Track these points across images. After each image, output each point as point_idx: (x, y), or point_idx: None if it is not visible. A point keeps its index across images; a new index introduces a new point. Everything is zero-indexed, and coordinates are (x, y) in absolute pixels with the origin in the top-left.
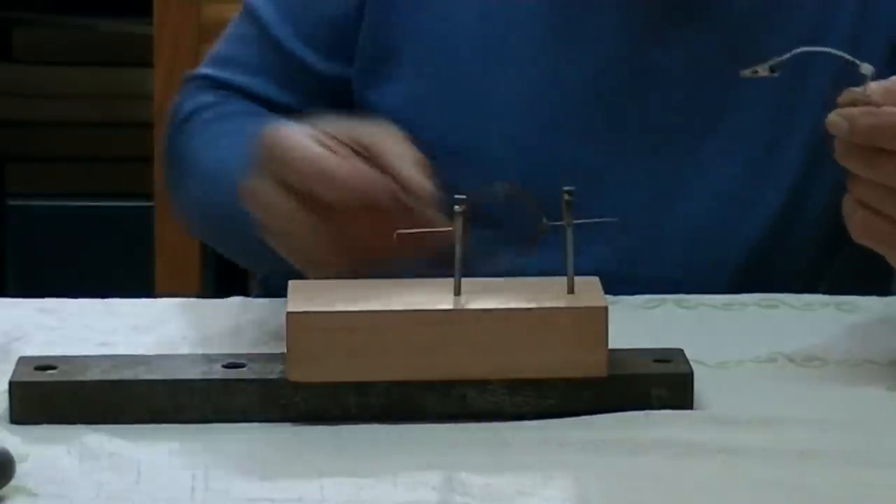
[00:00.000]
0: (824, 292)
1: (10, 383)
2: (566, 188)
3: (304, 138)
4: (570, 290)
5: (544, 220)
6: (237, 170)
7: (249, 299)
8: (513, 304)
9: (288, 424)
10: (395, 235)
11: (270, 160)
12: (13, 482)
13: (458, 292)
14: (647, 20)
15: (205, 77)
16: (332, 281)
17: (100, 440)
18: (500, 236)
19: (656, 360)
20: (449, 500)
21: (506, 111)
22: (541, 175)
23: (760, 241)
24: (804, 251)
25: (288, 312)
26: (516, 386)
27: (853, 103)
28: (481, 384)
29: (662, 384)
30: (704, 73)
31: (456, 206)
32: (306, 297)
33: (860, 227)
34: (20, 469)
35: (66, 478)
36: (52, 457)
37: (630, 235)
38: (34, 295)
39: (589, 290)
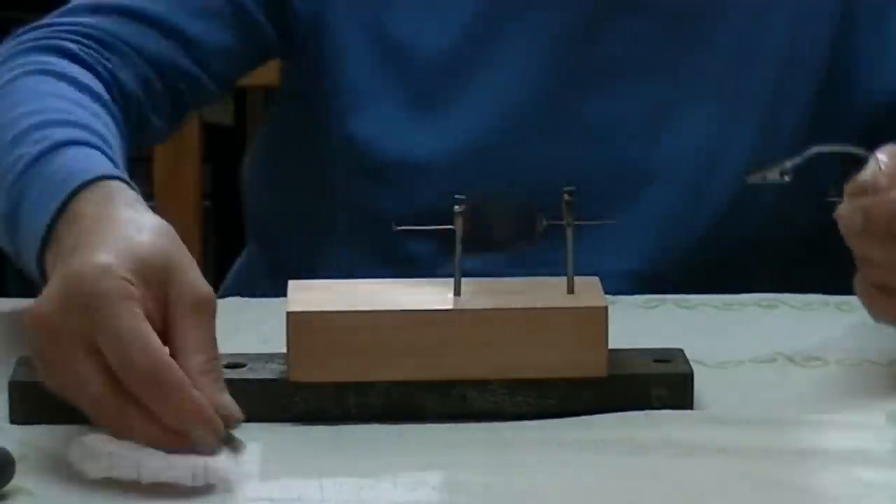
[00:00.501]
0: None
1: (10, 383)
2: (566, 188)
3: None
4: (570, 290)
5: (543, 220)
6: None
7: (249, 299)
8: (513, 304)
9: (288, 424)
10: (395, 228)
11: (82, 304)
12: (13, 482)
13: (458, 292)
14: (588, 14)
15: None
16: (332, 281)
17: (100, 440)
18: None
19: (656, 360)
20: (449, 500)
21: (465, 118)
22: (504, 177)
23: (714, 230)
24: (757, 238)
25: (288, 312)
26: (516, 386)
27: (863, 192)
28: (481, 384)
29: (662, 384)
30: (652, 62)
31: (456, 206)
32: (306, 297)
33: (881, 310)
34: (20, 469)
35: (66, 478)
36: (52, 457)
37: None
38: (34, 295)
39: (589, 290)
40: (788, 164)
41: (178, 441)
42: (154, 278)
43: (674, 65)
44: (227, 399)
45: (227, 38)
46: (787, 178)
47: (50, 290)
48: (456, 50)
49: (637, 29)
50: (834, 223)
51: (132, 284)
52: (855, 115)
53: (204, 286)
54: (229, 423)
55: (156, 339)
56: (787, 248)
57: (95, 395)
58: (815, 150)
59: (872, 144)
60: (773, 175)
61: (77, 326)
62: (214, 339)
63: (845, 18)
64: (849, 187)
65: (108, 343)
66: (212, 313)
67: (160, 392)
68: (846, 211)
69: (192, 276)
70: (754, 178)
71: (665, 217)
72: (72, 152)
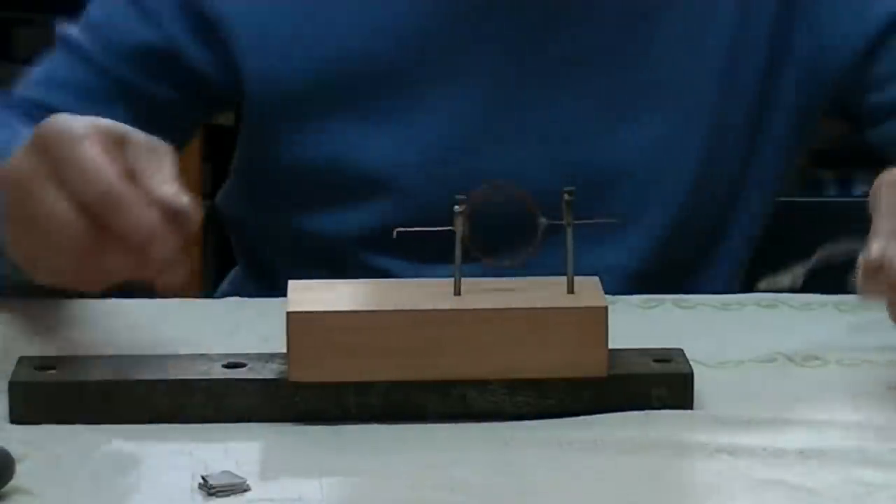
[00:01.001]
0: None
1: (10, 383)
2: (566, 188)
3: (85, 134)
4: (570, 290)
5: (543, 221)
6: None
7: (249, 299)
8: (513, 304)
9: (288, 424)
10: (394, 233)
11: (47, 148)
12: (13, 482)
13: (458, 292)
14: (537, 20)
15: (13, 95)
16: (333, 281)
17: (100, 440)
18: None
19: (656, 360)
20: (449, 500)
21: (419, 130)
22: (462, 186)
23: (670, 229)
24: (711, 236)
25: (288, 312)
26: (516, 386)
27: (877, 269)
28: (481, 384)
29: (662, 384)
30: (602, 64)
31: (456, 206)
32: (306, 297)
33: None
34: (20, 469)
35: (66, 478)
36: (52, 457)
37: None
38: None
39: (589, 290)
40: (801, 269)
41: (141, 265)
42: (113, 137)
43: (624, 64)
44: (185, 199)
45: (170, 93)
46: (798, 284)
47: (21, 148)
48: (407, 61)
49: (586, 32)
50: (782, 221)
51: (92, 134)
52: (802, 87)
53: (159, 140)
54: (189, 221)
55: (112, 167)
56: (739, 247)
57: (66, 221)
58: (826, 252)
59: (829, 111)
60: (784, 282)
61: (44, 167)
62: (175, 173)
63: None
64: (863, 268)
65: (70, 172)
66: (172, 158)
67: (115, 209)
68: (869, 291)
69: (147, 136)
70: (767, 286)
71: (622, 217)
72: None
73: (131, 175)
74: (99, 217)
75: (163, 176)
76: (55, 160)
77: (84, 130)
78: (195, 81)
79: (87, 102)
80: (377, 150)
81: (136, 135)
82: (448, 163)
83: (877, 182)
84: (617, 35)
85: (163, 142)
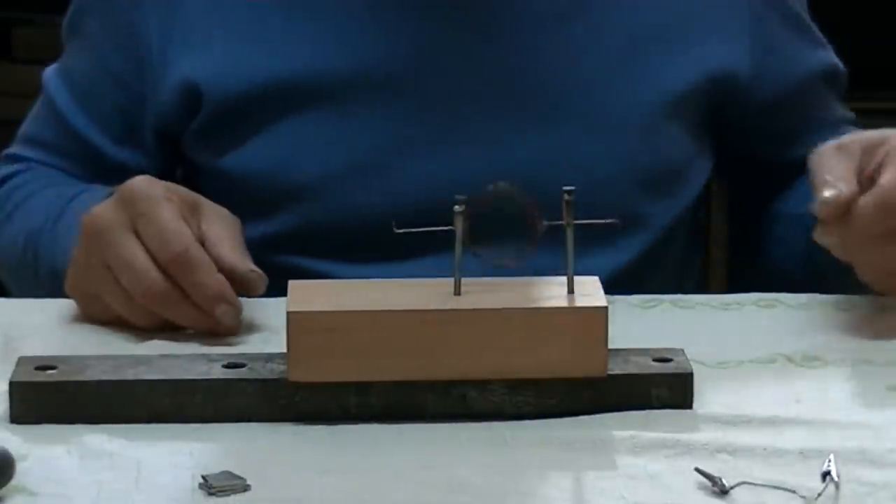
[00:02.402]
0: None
1: (10, 383)
2: (566, 188)
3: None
4: (570, 290)
5: (542, 220)
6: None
7: (249, 299)
8: (513, 304)
9: (288, 424)
10: (395, 230)
11: (131, 203)
12: (13, 482)
13: (458, 292)
14: (467, 35)
15: (13, 156)
16: (332, 281)
17: (100, 440)
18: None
19: (656, 360)
20: (449, 500)
21: (345, 137)
22: (392, 189)
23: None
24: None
25: (288, 312)
26: (516, 386)
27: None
28: (481, 384)
29: (662, 384)
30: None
31: (456, 206)
32: (306, 297)
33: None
34: (20, 469)
35: (66, 478)
36: (52, 457)
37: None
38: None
39: (589, 290)
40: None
41: (205, 321)
42: (188, 203)
43: (552, 73)
44: (252, 267)
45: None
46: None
47: (103, 201)
48: (344, 75)
49: (515, 39)
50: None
51: (172, 197)
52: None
53: (227, 211)
54: (254, 288)
55: (189, 230)
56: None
57: (142, 268)
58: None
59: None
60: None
61: (125, 219)
62: (242, 242)
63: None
64: (820, 211)
65: (150, 229)
66: (239, 227)
67: (190, 270)
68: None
69: (220, 207)
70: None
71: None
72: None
73: (202, 240)
74: (173, 275)
75: (232, 244)
76: (138, 215)
77: (165, 193)
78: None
79: (75, 163)
80: (306, 160)
81: (208, 203)
82: (376, 167)
83: (821, 148)
84: (546, 43)
85: (230, 213)
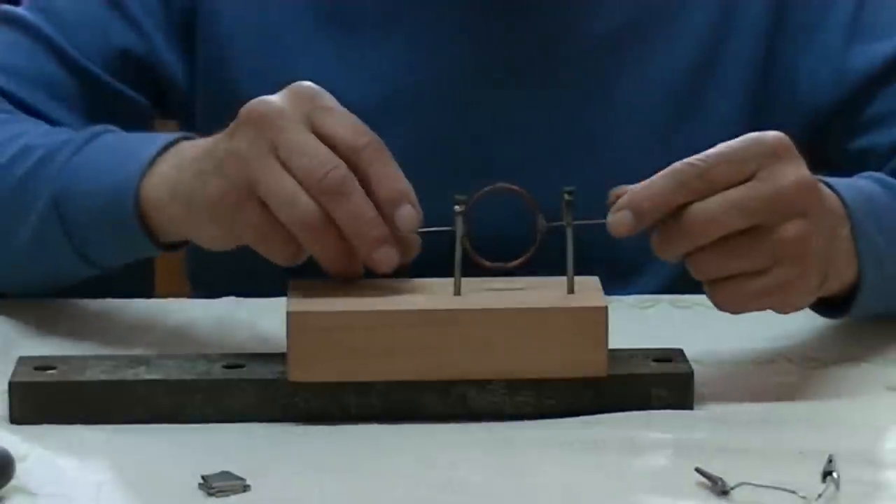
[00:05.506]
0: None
1: (10, 383)
2: (566, 188)
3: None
4: (570, 290)
5: (542, 220)
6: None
7: (249, 299)
8: (513, 304)
9: (288, 424)
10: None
11: (264, 128)
12: (13, 482)
13: (458, 292)
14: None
15: None
16: (333, 281)
17: (100, 440)
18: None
19: (656, 360)
20: (449, 500)
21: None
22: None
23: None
24: None
25: (288, 312)
26: (516, 386)
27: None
28: (481, 384)
29: (662, 384)
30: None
31: (456, 206)
32: (306, 297)
33: (730, 301)
34: (20, 469)
35: (66, 478)
36: (52, 457)
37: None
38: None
39: (589, 290)
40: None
41: (350, 251)
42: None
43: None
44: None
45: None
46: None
47: (225, 130)
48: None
49: (563, 56)
50: None
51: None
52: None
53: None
54: (409, 249)
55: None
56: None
57: (293, 199)
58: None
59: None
60: None
61: (265, 147)
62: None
63: (772, 34)
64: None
65: (296, 156)
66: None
67: (348, 196)
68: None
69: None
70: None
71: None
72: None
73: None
74: (324, 202)
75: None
76: (275, 142)
77: (298, 115)
78: (168, 91)
79: (57, 101)
80: None
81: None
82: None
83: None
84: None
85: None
